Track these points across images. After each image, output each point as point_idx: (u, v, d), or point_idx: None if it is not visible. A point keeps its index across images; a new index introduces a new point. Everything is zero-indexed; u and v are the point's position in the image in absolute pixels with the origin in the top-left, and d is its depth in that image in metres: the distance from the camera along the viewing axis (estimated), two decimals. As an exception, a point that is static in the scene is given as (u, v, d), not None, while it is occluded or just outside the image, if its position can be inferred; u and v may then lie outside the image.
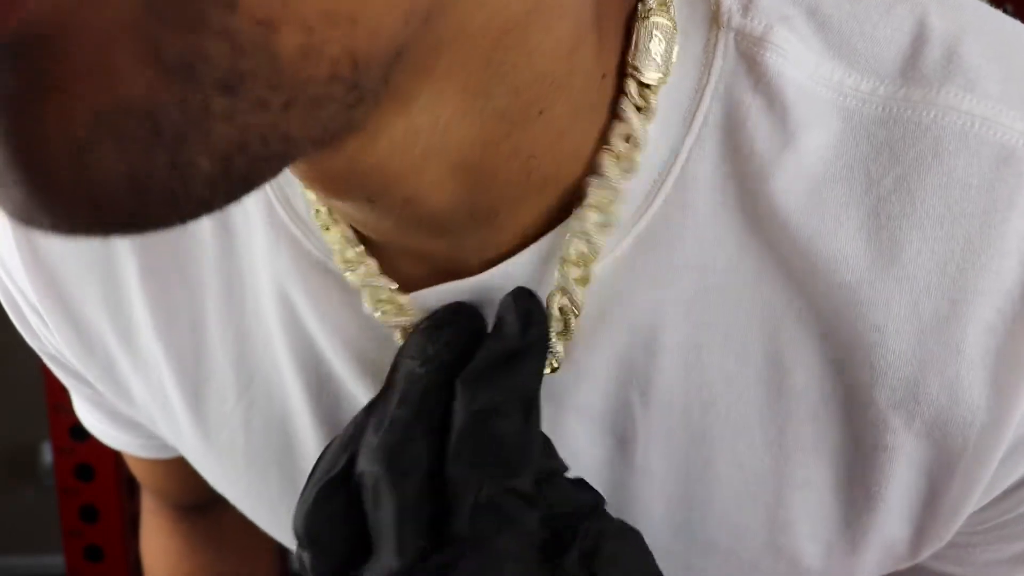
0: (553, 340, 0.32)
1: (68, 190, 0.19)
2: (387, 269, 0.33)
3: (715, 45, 0.29)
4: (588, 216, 0.30)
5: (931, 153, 0.28)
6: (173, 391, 0.40)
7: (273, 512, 0.42)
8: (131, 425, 0.47)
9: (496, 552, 0.29)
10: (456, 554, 0.29)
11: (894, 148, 0.29)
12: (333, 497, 0.31)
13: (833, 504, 0.33)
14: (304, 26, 0.18)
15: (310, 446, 0.38)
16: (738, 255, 0.30)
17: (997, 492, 0.32)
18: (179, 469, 0.50)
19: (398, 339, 0.34)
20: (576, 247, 0.30)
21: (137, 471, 0.55)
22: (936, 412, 0.30)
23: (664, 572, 0.33)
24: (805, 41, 0.29)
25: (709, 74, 0.29)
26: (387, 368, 0.33)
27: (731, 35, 0.29)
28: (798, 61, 0.29)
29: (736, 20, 0.29)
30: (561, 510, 0.31)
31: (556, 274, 0.31)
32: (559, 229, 0.30)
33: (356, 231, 0.33)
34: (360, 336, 0.35)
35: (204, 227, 0.37)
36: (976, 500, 0.32)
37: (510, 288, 0.31)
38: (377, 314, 0.33)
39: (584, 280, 0.31)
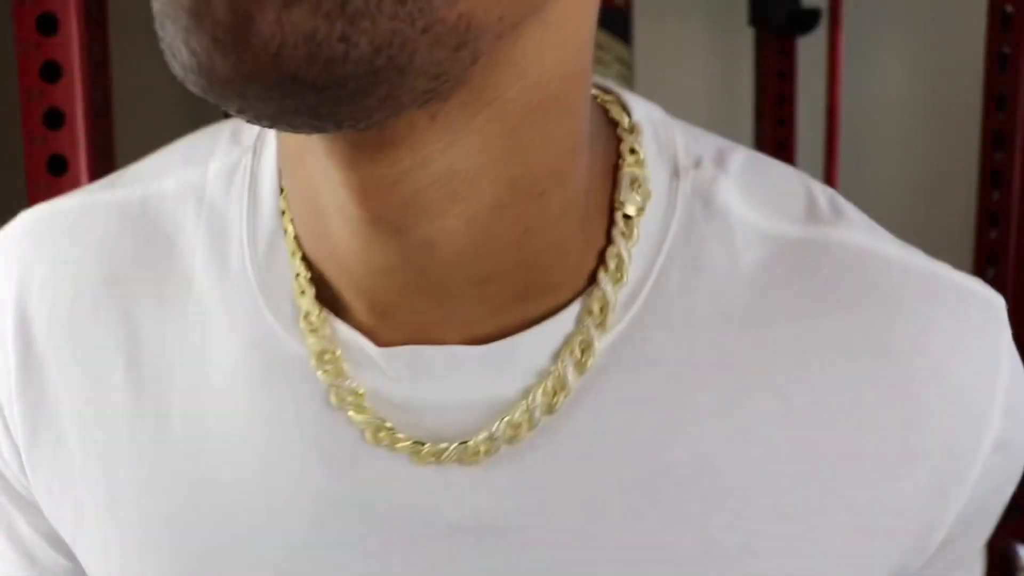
0: (536, 413, 0.37)
1: (263, 35, 0.24)
2: (379, 335, 0.37)
3: (676, 189, 0.39)
4: (587, 318, 0.37)
5: (843, 261, 0.39)
6: (124, 487, 0.40)
7: None
8: (32, 560, 0.46)
9: None
10: None
11: (817, 259, 0.39)
12: None
13: (792, 571, 0.38)
14: None
15: (258, 551, 0.38)
16: (704, 348, 0.37)
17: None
18: None
19: (367, 439, 0.37)
20: (578, 341, 0.36)
21: None
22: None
23: None
24: (739, 190, 0.39)
25: (674, 210, 0.38)
26: (352, 465, 0.37)
27: (688, 182, 0.39)
28: (738, 202, 0.39)
29: (691, 172, 0.39)
30: None
31: (558, 359, 0.37)
32: (559, 323, 0.36)
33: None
34: (332, 432, 0.38)
35: (189, 329, 0.39)
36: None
37: (515, 360, 0.36)
38: (347, 413, 0.37)
39: (581, 368, 0.37)
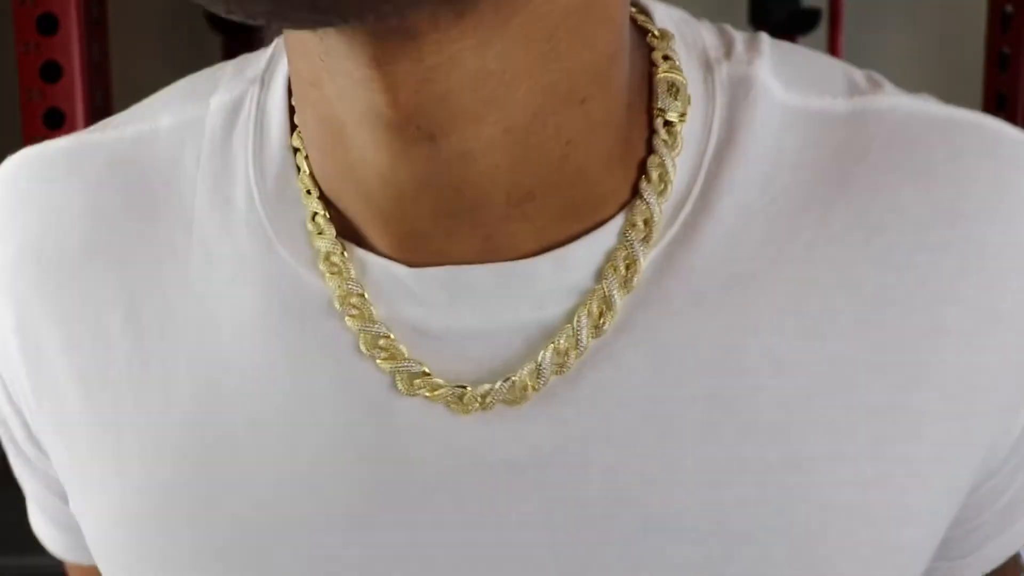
0: (583, 335, 0.34)
1: None
2: (410, 263, 0.34)
3: (713, 84, 0.37)
4: (631, 232, 0.34)
5: (896, 125, 0.37)
6: (131, 449, 0.37)
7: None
8: (76, 532, 0.44)
9: None
10: None
11: (868, 129, 0.36)
12: None
13: (883, 472, 0.35)
14: None
15: (282, 511, 0.36)
16: (762, 243, 0.35)
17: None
18: None
19: (399, 387, 0.35)
20: (623, 256, 0.34)
21: None
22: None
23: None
24: (772, 74, 0.37)
25: (713, 107, 0.36)
26: (395, 410, 0.35)
27: (723, 74, 0.37)
28: (775, 83, 0.37)
29: (724, 64, 0.37)
30: None
31: (601, 276, 0.34)
32: (601, 237, 0.34)
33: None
34: (372, 383, 0.35)
35: (191, 278, 0.37)
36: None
37: (554, 277, 0.34)
38: (376, 361, 0.35)
39: (627, 285, 0.34)
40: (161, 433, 0.37)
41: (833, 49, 1.59)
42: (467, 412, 0.34)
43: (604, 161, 0.34)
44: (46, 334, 0.39)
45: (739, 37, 0.39)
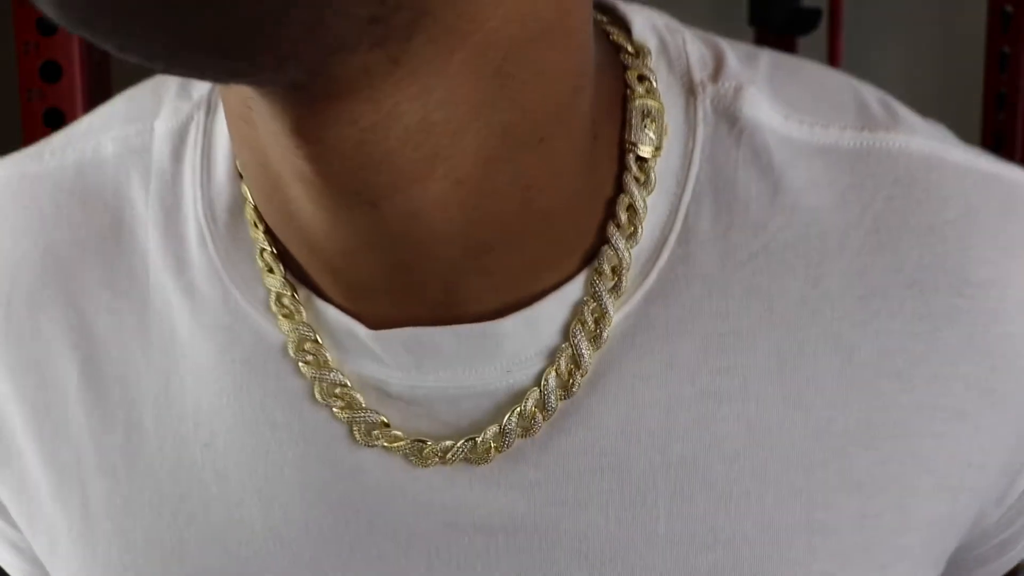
0: (551, 398, 0.32)
1: None
2: (365, 318, 0.32)
3: (695, 112, 0.33)
4: (598, 281, 0.31)
5: (906, 174, 0.33)
6: (99, 508, 0.36)
7: None
8: (16, 549, 0.42)
9: None
10: None
11: (875, 174, 0.33)
12: None
13: (863, 544, 0.33)
14: None
15: (255, 566, 0.34)
16: (747, 299, 0.31)
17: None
18: None
19: (356, 436, 0.33)
20: (590, 309, 0.31)
21: None
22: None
23: None
24: (771, 99, 0.33)
25: (694, 138, 0.32)
26: (356, 469, 0.33)
27: (707, 100, 0.33)
28: (771, 113, 0.33)
29: (709, 87, 0.33)
30: None
31: (569, 333, 0.32)
32: (567, 290, 0.31)
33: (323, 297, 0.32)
34: (326, 431, 0.33)
35: (150, 322, 0.34)
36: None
37: (522, 338, 0.31)
38: (332, 409, 0.33)
39: (596, 340, 0.31)
40: (128, 491, 0.35)
41: (833, 49, 1.58)
42: (426, 465, 0.33)
43: (569, 203, 0.31)
44: (3, 386, 0.36)
45: (733, 53, 0.34)
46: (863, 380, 0.32)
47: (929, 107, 0.37)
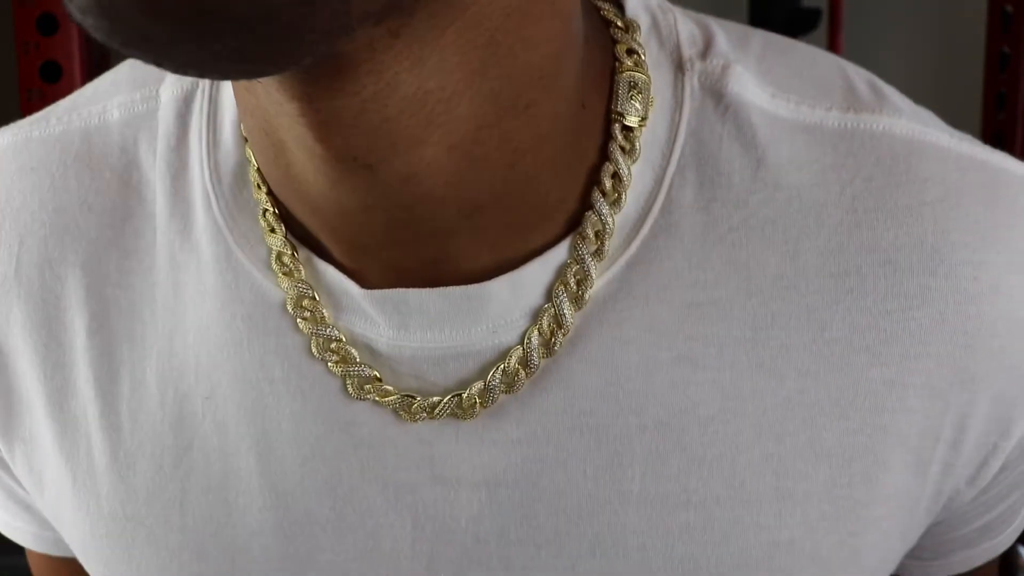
0: (533, 356, 0.33)
1: None
2: (362, 276, 0.33)
3: (682, 87, 0.34)
4: (582, 244, 0.32)
5: (889, 156, 0.33)
6: (102, 461, 0.37)
7: None
8: (25, 508, 0.43)
9: None
10: None
11: (856, 154, 0.33)
12: None
13: (831, 512, 0.34)
14: None
15: (251, 519, 0.36)
16: (726, 270, 0.32)
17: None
18: (76, 572, 0.45)
19: (350, 390, 0.34)
20: (573, 271, 0.32)
21: (34, 568, 0.50)
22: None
23: None
24: (758, 79, 0.34)
25: (681, 112, 0.33)
26: (349, 421, 0.34)
27: (695, 76, 0.34)
28: (756, 92, 0.34)
29: (697, 64, 0.34)
30: None
31: (552, 294, 0.33)
32: (551, 254, 0.32)
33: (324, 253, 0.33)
34: (321, 385, 0.34)
35: (157, 280, 0.35)
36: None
37: (507, 300, 0.32)
38: (327, 364, 0.34)
39: (578, 301, 0.32)
40: (131, 443, 0.36)
41: (833, 49, 1.58)
42: (415, 420, 0.34)
43: (555, 168, 0.32)
44: (7, 343, 0.37)
45: (723, 33, 0.35)
46: (834, 353, 0.33)
47: (929, 107, 0.38)
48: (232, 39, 0.21)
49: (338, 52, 0.25)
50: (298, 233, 0.34)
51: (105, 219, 0.37)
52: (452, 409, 0.33)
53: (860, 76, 0.36)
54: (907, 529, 0.36)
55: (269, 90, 0.28)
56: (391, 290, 0.33)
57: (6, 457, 0.40)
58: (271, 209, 0.34)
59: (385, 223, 0.31)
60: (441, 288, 0.32)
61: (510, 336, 0.33)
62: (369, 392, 0.34)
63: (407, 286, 0.33)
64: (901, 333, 0.33)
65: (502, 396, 0.33)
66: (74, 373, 0.37)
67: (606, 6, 0.35)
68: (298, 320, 0.34)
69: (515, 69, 0.29)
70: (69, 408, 0.37)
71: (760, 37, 0.36)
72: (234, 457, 0.36)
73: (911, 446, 0.34)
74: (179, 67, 0.23)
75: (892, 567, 0.37)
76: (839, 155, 0.33)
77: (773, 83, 0.34)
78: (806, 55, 0.36)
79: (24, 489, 0.42)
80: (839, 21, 1.58)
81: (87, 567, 0.40)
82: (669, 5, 0.36)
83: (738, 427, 0.33)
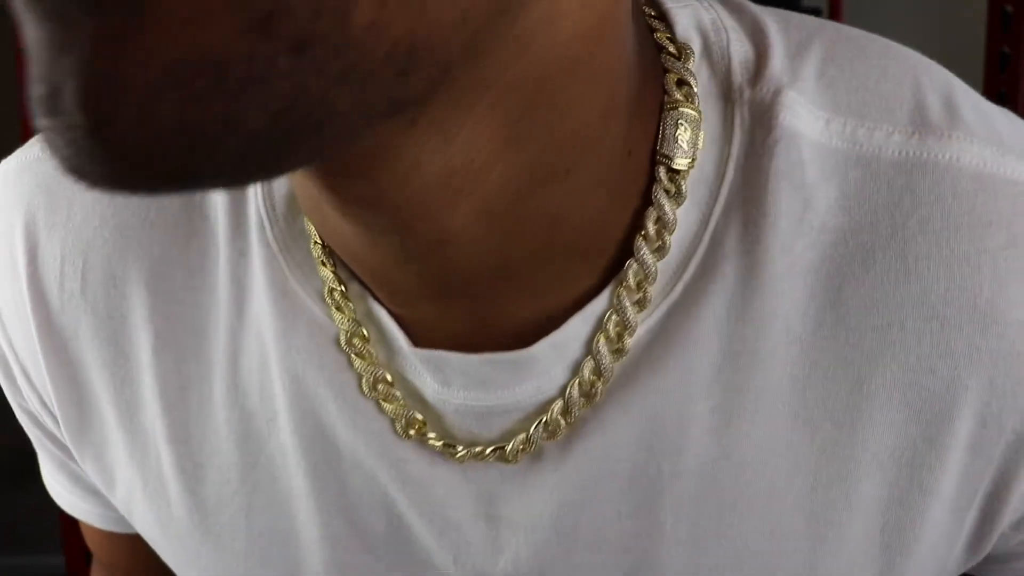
0: (574, 408, 0.32)
1: (126, 137, 0.19)
2: (409, 323, 0.33)
3: (732, 120, 0.31)
4: (623, 294, 0.31)
5: (950, 193, 0.30)
6: (171, 471, 0.38)
7: None
8: (93, 493, 0.45)
9: None
10: None
11: (915, 191, 0.30)
12: None
13: (864, 558, 0.33)
14: (379, 0, 0.19)
15: (311, 533, 0.37)
16: (766, 320, 0.31)
17: None
18: (136, 546, 0.47)
19: (398, 431, 0.34)
20: (614, 322, 0.31)
21: (91, 542, 0.51)
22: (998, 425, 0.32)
23: None
24: (815, 100, 0.31)
25: (730, 149, 0.31)
26: (399, 458, 0.34)
27: (744, 108, 0.31)
28: (810, 120, 0.31)
29: (747, 93, 0.31)
30: None
31: (594, 346, 0.32)
32: (593, 306, 0.31)
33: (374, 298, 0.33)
34: (375, 421, 0.35)
35: (221, 299, 0.36)
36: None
37: (551, 360, 0.32)
38: (379, 402, 0.34)
39: (619, 352, 0.32)
40: (199, 456, 0.37)
41: (833, 49, 1.59)
42: (461, 463, 0.34)
43: (597, 221, 0.30)
44: (77, 355, 0.38)
45: (781, 44, 0.32)
46: (872, 408, 0.31)
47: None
48: (211, 181, 0.21)
49: (349, 152, 0.24)
50: (349, 269, 0.34)
51: (168, 236, 0.36)
52: (496, 458, 0.34)
53: (936, 87, 0.32)
54: (944, 566, 0.35)
55: (297, 172, 0.27)
56: (436, 352, 0.32)
57: (76, 456, 0.41)
58: (320, 242, 0.33)
59: (421, 281, 0.30)
60: (485, 355, 0.32)
61: (552, 390, 0.33)
62: (414, 436, 0.34)
63: (451, 337, 0.32)
64: (945, 393, 0.31)
65: (543, 443, 0.33)
66: (142, 387, 0.37)
67: (660, 26, 0.32)
68: (353, 356, 0.34)
69: (552, 137, 0.27)
70: (139, 420, 0.38)
71: (825, 41, 0.32)
72: (295, 478, 0.36)
73: (949, 498, 0.33)
74: (116, 188, 0.21)
75: None
76: (894, 192, 0.30)
77: (831, 104, 0.31)
78: (877, 61, 0.32)
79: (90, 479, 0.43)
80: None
81: (160, 555, 0.42)
82: (723, 20, 0.33)
83: (772, 475, 0.32)
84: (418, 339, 0.33)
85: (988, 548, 0.35)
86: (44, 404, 0.40)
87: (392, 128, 0.24)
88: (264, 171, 0.21)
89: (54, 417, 0.40)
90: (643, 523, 0.33)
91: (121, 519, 0.44)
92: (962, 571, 0.37)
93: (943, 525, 0.33)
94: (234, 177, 0.21)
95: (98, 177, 0.20)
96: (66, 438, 0.40)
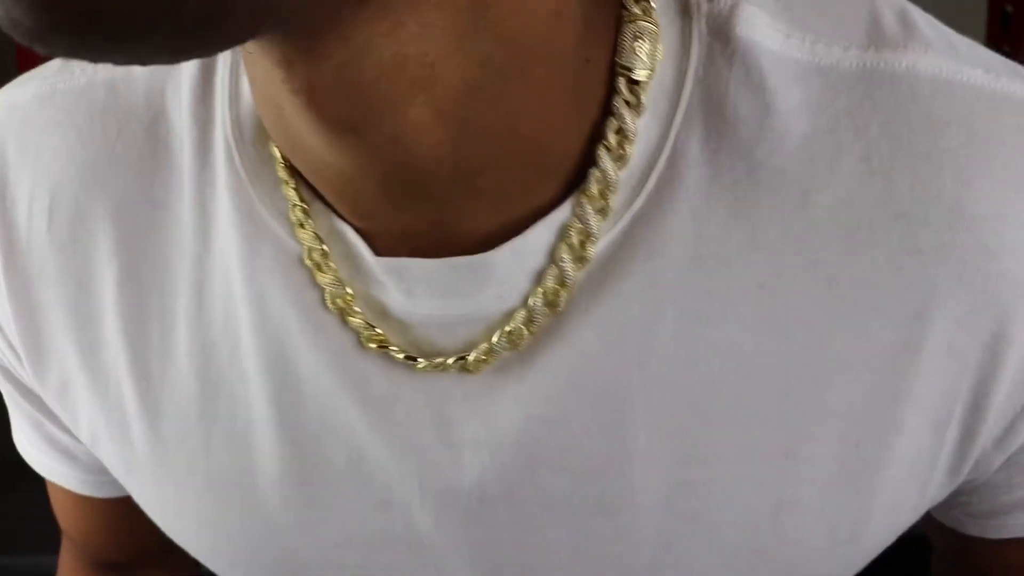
0: (537, 316, 0.33)
1: None
2: (372, 237, 0.33)
3: (690, 33, 0.32)
4: (585, 202, 0.31)
5: (908, 98, 0.31)
6: (132, 408, 0.38)
7: (231, 545, 0.39)
8: (69, 456, 0.45)
9: None
10: None
11: (874, 97, 0.31)
12: None
13: (839, 472, 0.33)
14: None
15: (270, 468, 0.37)
16: (731, 223, 0.31)
17: None
18: (109, 514, 0.48)
19: (362, 341, 0.34)
20: (576, 230, 0.32)
21: (63, 513, 0.51)
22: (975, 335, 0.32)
23: (667, 564, 0.34)
24: (772, 16, 0.31)
25: (688, 60, 0.31)
26: (361, 376, 0.34)
27: (702, 21, 0.32)
28: (768, 33, 0.31)
29: (704, 6, 0.32)
30: None
31: (556, 256, 0.32)
32: (554, 214, 0.32)
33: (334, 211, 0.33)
34: (337, 338, 0.35)
35: (186, 231, 0.36)
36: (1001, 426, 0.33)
37: (512, 266, 0.32)
38: (343, 318, 0.34)
39: (582, 260, 0.32)
40: (160, 391, 0.37)
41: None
42: (424, 372, 0.34)
43: (556, 127, 0.30)
44: (41, 296, 0.38)
45: None
46: (847, 312, 0.31)
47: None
48: (151, 39, 0.21)
49: (302, 20, 0.24)
50: (312, 189, 0.34)
51: (133, 171, 0.36)
52: (458, 369, 0.33)
53: (890, 6, 0.32)
54: (925, 488, 0.35)
55: (257, 56, 0.28)
56: (398, 259, 0.33)
57: (43, 397, 0.41)
58: (283, 162, 0.34)
59: (381, 187, 0.30)
60: (446, 259, 0.32)
61: (515, 299, 0.33)
62: (379, 347, 0.34)
63: (414, 248, 0.33)
64: (916, 291, 0.31)
65: (506, 354, 0.33)
66: (104, 326, 0.37)
67: None
68: (316, 273, 0.34)
69: (506, 32, 0.27)
70: (101, 358, 0.38)
71: None
72: (256, 407, 0.36)
73: (926, 407, 0.32)
74: (111, 62, 0.22)
75: (910, 522, 0.36)
76: (854, 98, 0.31)
77: (789, 21, 0.31)
78: None
79: (65, 433, 0.43)
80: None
81: (133, 496, 0.42)
82: None
83: (744, 385, 0.32)
84: (381, 251, 0.33)
85: (968, 468, 0.34)
86: (10, 346, 0.40)
87: (343, 2, 0.24)
88: (202, 28, 0.21)
89: (20, 359, 0.40)
90: (614, 443, 0.33)
91: (98, 483, 0.46)
92: (942, 498, 0.36)
93: (922, 441, 0.33)
94: (178, 35, 0.21)
95: (32, 27, 0.20)
96: (31, 380, 0.40)
